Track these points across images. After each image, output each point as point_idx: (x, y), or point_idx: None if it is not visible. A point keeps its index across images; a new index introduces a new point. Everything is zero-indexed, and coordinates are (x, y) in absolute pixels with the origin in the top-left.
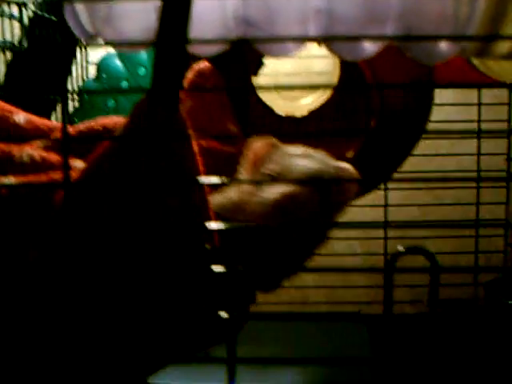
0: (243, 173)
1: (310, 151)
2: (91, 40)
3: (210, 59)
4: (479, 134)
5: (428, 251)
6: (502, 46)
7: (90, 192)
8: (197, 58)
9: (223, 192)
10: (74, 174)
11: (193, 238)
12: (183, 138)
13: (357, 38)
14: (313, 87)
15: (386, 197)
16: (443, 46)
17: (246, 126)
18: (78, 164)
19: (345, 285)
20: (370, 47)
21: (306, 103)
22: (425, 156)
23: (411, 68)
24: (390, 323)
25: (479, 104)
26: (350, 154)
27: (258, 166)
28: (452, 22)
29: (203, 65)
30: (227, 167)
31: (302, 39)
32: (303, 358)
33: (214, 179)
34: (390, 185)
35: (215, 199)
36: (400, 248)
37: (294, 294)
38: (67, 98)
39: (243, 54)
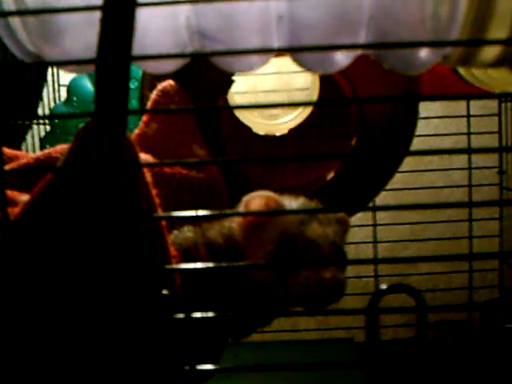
0: (239, 234)
1: (311, 204)
2: (34, 60)
3: (174, 77)
4: (470, 151)
5: (413, 289)
6: (488, 52)
7: (28, 230)
8: (162, 77)
9: (197, 226)
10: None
11: (145, 281)
12: (132, 167)
13: (325, 48)
14: (287, 105)
15: (374, 217)
16: (423, 53)
17: (216, 147)
18: (26, 198)
19: (335, 309)
20: (341, 58)
21: (286, 121)
22: (415, 172)
23: (393, 84)
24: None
25: (468, 116)
26: (330, 175)
27: (258, 233)
28: (431, 25)
29: (167, 83)
30: (194, 194)
31: (264, 51)
32: None
33: (172, 214)
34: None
35: (182, 235)
36: (382, 286)
37: (283, 322)
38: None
39: (208, 70)
